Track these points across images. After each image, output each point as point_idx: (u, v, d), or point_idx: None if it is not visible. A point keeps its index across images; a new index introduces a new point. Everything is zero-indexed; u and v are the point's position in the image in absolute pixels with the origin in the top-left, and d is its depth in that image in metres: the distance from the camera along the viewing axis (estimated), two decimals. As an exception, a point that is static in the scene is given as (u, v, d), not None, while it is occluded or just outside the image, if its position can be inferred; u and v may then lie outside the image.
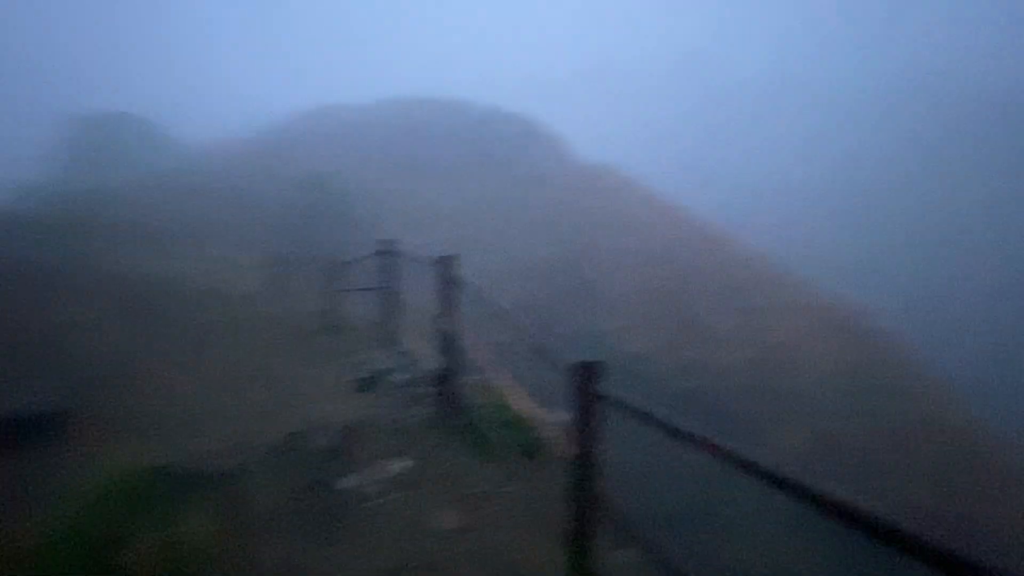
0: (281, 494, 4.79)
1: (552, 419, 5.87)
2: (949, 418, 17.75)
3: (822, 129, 59.47)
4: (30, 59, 72.98)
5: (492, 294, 5.43)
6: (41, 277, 11.58)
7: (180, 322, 10.35)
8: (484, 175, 29.47)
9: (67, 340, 8.82)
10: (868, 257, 41.95)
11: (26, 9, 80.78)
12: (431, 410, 6.18)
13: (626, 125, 61.87)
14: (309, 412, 6.37)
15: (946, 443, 16.72)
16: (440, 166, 29.62)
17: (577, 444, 3.45)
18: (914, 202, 49.97)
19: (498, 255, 23.09)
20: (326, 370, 8.18)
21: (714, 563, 15.01)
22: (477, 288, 5.55)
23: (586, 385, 3.40)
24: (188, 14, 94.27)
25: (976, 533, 13.61)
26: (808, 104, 64.76)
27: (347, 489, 4.78)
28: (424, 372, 7.16)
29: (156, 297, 11.55)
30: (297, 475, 5.04)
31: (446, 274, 6.07)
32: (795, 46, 77.57)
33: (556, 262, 22.69)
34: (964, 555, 1.66)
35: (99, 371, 7.84)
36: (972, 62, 63.22)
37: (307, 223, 22.26)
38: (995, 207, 48.59)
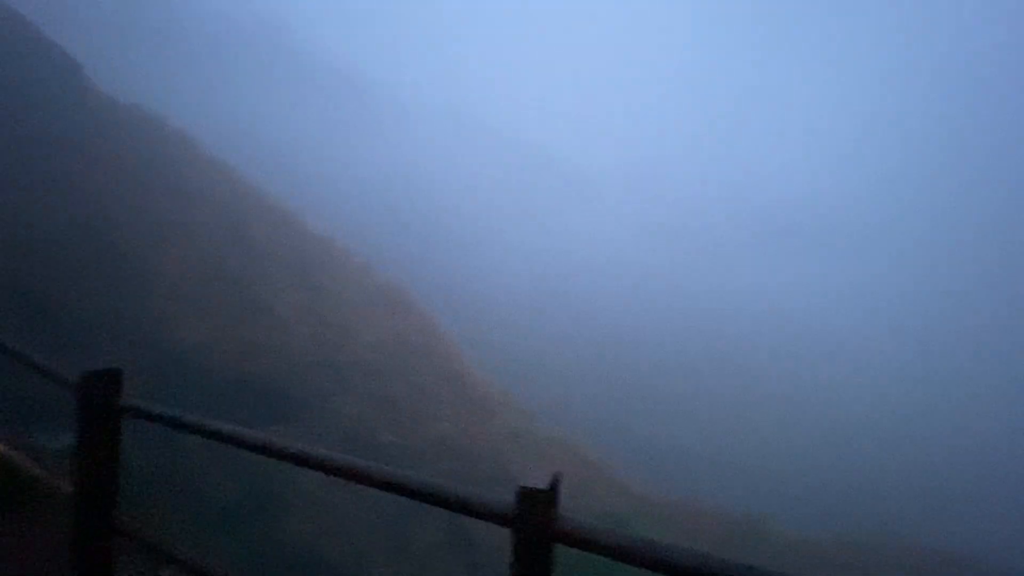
0: None
1: (47, 447, 4.85)
2: (456, 367, 21.90)
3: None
4: None
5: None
6: None
7: None
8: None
9: None
10: (406, 244, 47.15)
11: None
12: None
13: (200, 83, 51.31)
14: None
15: (454, 387, 20.62)
16: None
17: (85, 473, 2.83)
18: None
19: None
20: None
21: (271, 545, 14.83)
22: None
23: (99, 399, 2.76)
24: None
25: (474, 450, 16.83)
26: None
27: None
28: None
29: None
30: None
31: None
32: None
33: (81, 230, 18.79)
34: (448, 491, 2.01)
35: None
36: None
37: None
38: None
